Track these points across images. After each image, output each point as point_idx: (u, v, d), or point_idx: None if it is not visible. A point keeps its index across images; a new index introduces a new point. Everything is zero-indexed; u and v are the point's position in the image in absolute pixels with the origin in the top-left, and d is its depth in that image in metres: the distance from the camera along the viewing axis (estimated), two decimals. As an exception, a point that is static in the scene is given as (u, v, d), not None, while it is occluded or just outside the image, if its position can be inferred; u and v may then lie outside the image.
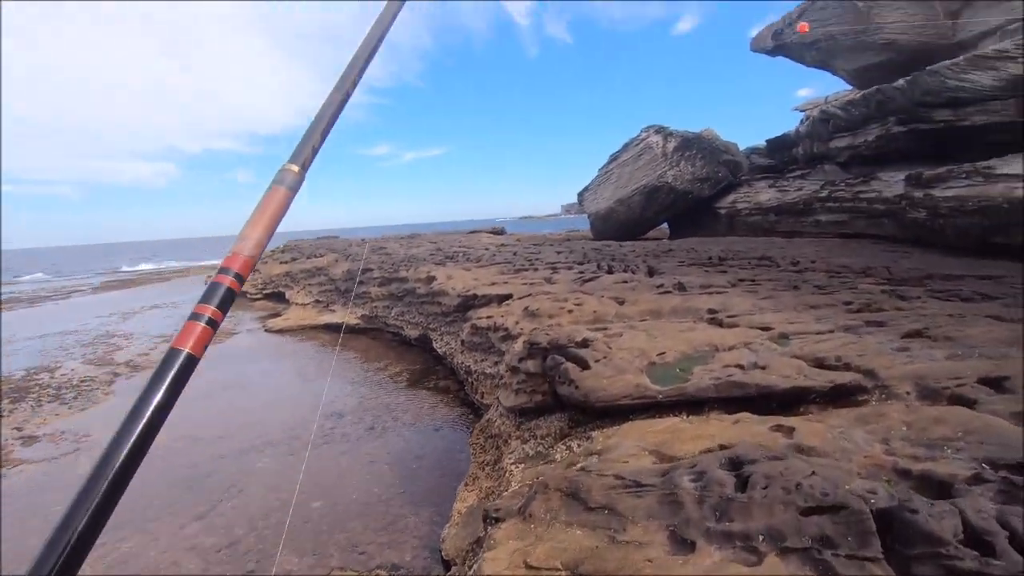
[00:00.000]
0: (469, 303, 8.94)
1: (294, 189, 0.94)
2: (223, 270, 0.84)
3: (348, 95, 1.07)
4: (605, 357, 4.31)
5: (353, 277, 14.73)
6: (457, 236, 27.71)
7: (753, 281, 7.51)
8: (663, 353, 4.44)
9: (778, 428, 3.01)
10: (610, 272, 8.96)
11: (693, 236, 19.65)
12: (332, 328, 14.37)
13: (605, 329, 5.63)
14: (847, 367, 3.84)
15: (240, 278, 0.85)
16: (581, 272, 9.10)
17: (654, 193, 18.50)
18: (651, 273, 8.73)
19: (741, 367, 4.02)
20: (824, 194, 15.73)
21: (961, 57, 12.00)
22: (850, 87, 22.54)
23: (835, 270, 8.55)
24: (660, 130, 19.28)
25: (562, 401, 4.37)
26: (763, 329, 4.95)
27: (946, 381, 3.42)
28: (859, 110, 15.32)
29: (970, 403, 3.21)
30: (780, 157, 21.73)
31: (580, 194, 21.76)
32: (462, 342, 8.35)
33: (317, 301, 16.23)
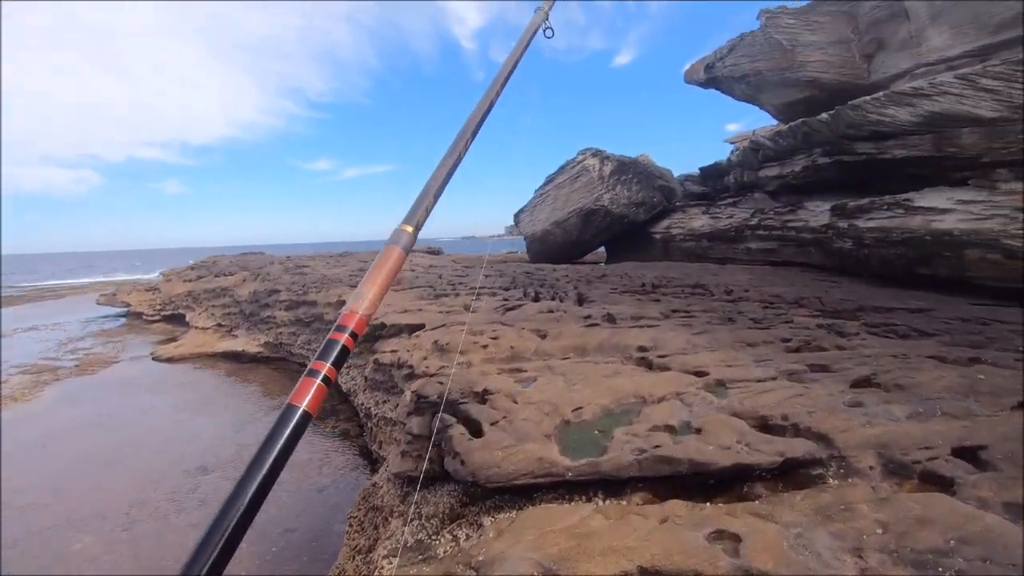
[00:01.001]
0: (377, 333, 7.85)
1: (407, 249, 1.04)
2: (340, 327, 0.90)
3: (460, 159, 1.20)
4: (505, 418, 3.40)
5: (259, 300, 13.21)
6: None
7: (687, 312, 6.91)
8: (580, 408, 3.59)
9: (719, 536, 2.19)
10: (536, 300, 8.15)
11: (629, 260, 19.43)
12: (232, 357, 12.74)
13: (519, 371, 4.76)
14: (796, 430, 3.12)
15: (355, 336, 0.91)
16: (505, 299, 8.25)
17: (590, 216, 18.14)
18: (581, 301, 8.00)
19: (672, 429, 3.22)
20: (754, 222, 15.83)
21: (881, 93, 12.32)
22: (776, 122, 23.43)
23: (768, 300, 8.14)
24: (597, 153, 19.07)
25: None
26: (697, 375, 4.22)
27: (915, 452, 2.75)
28: (787, 141, 15.60)
29: (948, 484, 2.53)
30: (713, 185, 22.09)
31: (516, 215, 21.14)
32: (364, 378, 7.24)
33: (219, 325, 14.50)
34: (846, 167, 13.10)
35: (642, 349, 5.20)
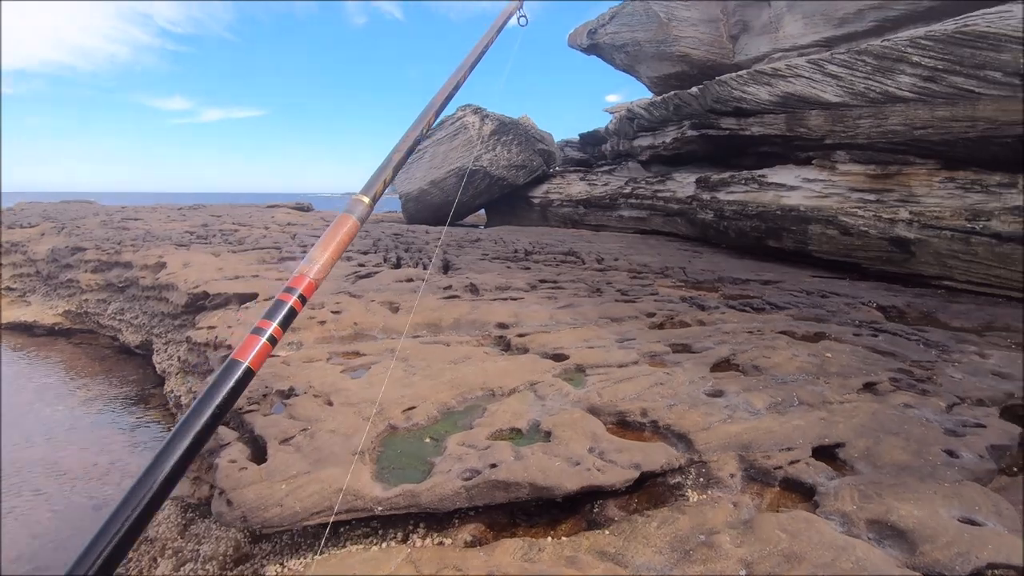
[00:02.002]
0: (200, 302, 6.48)
1: (363, 219, 1.02)
2: (289, 290, 0.87)
3: (423, 135, 1.22)
4: (306, 430, 2.59)
5: (59, 259, 10.68)
6: (248, 210, 23.47)
7: (555, 283, 6.49)
8: (413, 408, 2.89)
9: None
10: (397, 266, 7.27)
11: (509, 224, 19.05)
12: (22, 329, 10.24)
13: (355, 356, 3.94)
14: (655, 427, 2.71)
15: (304, 299, 0.89)
16: (361, 265, 7.25)
17: (469, 177, 17.32)
18: (446, 269, 7.27)
19: (518, 433, 2.66)
20: (628, 190, 16.13)
21: (745, 71, 12.82)
22: (651, 95, 24.12)
23: (636, 270, 8.07)
24: (478, 111, 18.12)
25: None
26: (556, 358, 3.73)
27: (776, 455, 2.44)
28: (659, 112, 15.91)
29: (809, 494, 2.24)
30: (591, 152, 22.29)
31: (391, 171, 19.55)
32: (179, 359, 5.94)
33: (9, 289, 11.63)
34: (712, 141, 13.61)
35: (502, 326, 4.63)
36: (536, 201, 19.36)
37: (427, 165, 18.31)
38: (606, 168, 18.91)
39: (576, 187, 18.58)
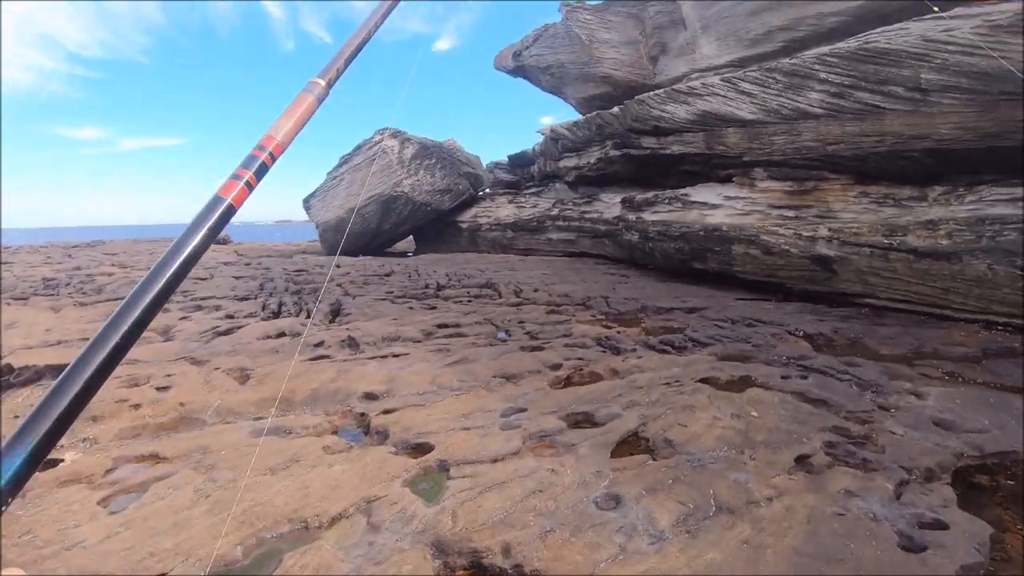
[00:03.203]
0: (3, 378, 5.16)
1: (320, 99, 1.08)
2: (261, 147, 0.95)
3: (382, 20, 1.30)
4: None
5: None
6: (150, 246, 21.41)
7: (457, 328, 5.65)
8: (156, 556, 1.92)
9: None
10: (276, 315, 6.21)
11: (438, 250, 18.17)
12: None
13: (152, 460, 2.92)
14: (519, 574, 1.88)
15: (273, 156, 0.96)
16: (230, 316, 6.14)
17: (391, 203, 16.32)
18: (335, 315, 6.28)
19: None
20: (555, 212, 15.66)
21: (662, 90, 12.68)
22: (579, 115, 24.12)
23: (556, 302, 7.37)
24: (397, 134, 17.19)
25: None
26: (416, 451, 2.86)
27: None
28: (583, 132, 15.64)
29: None
30: (521, 174, 21.88)
31: (307, 200, 18.19)
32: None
33: None
34: (635, 160, 13.35)
35: (369, 397, 3.71)
36: (464, 226, 18.60)
37: (344, 192, 17.18)
38: (534, 190, 18.46)
39: (505, 210, 17.99)
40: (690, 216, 10.71)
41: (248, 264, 11.85)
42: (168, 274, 0.72)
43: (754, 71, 10.44)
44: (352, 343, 4.92)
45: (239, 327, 5.49)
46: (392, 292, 7.73)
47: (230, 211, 0.86)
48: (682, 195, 11.15)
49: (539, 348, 4.84)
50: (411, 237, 21.64)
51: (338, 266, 11.31)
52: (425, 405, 3.46)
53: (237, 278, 9.12)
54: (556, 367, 4.28)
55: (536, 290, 8.23)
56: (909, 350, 5.17)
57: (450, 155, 18.24)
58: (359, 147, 17.53)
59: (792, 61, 9.32)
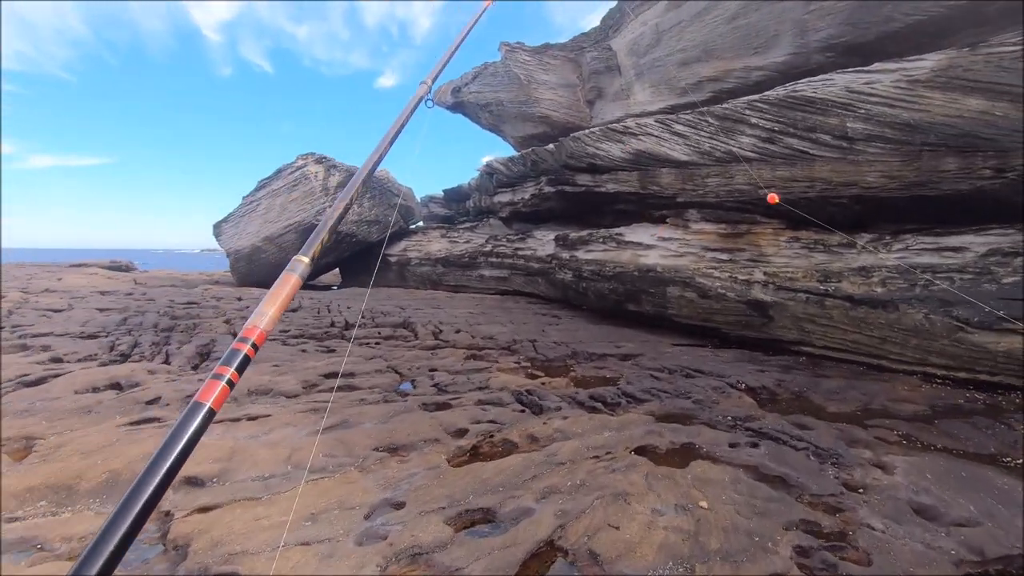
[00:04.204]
0: None
1: (304, 277, 1.08)
2: (243, 339, 0.92)
3: (352, 202, 1.31)
4: None
5: None
6: (33, 271, 18.72)
7: (350, 378, 4.65)
8: None
9: None
10: (124, 358, 4.94)
11: (364, 284, 16.93)
12: None
13: None
14: None
15: (256, 347, 0.93)
16: (58, 359, 4.81)
17: (311, 232, 15.05)
18: (202, 359, 5.09)
19: None
20: (488, 248, 14.99)
21: (597, 127, 12.51)
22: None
23: (478, 345, 6.53)
24: (322, 160, 16.07)
25: None
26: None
27: None
28: (518, 168, 15.25)
29: None
30: (456, 208, 21.24)
31: (217, 226, 16.40)
32: None
33: None
34: (569, 198, 13.00)
35: (191, 484, 2.65)
36: (393, 259, 17.53)
37: (261, 219, 15.73)
38: (468, 225, 17.78)
39: (436, 244, 17.13)
40: (624, 256, 10.30)
41: (129, 294, 10.18)
42: (147, 493, 0.69)
43: (687, 114, 10.39)
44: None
45: (58, 375, 4.21)
46: (288, 331, 6.59)
47: (210, 416, 0.81)
48: (616, 234, 10.78)
49: (445, 405, 3.93)
50: (338, 269, 20.25)
51: (239, 299, 9.93)
52: (263, 499, 2.46)
53: (101, 310, 7.61)
54: (460, 433, 3.39)
55: (458, 331, 7.35)
56: (857, 407, 4.69)
57: (380, 185, 17.30)
58: (280, 171, 16.22)
59: (724, 106, 9.29)
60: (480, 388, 4.47)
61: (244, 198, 16.51)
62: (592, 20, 16.96)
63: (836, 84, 7.47)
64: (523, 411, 3.86)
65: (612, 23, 14.89)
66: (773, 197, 4.80)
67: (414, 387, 4.39)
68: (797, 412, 4.41)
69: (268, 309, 0.97)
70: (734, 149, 9.06)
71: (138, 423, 3.34)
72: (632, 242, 10.44)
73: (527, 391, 4.37)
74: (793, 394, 5.07)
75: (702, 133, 9.75)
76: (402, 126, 1.70)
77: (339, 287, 18.57)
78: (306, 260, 1.08)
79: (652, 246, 9.99)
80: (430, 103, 2.12)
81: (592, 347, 6.76)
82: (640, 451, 3.27)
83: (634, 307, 9.35)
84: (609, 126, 11.95)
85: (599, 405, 4.18)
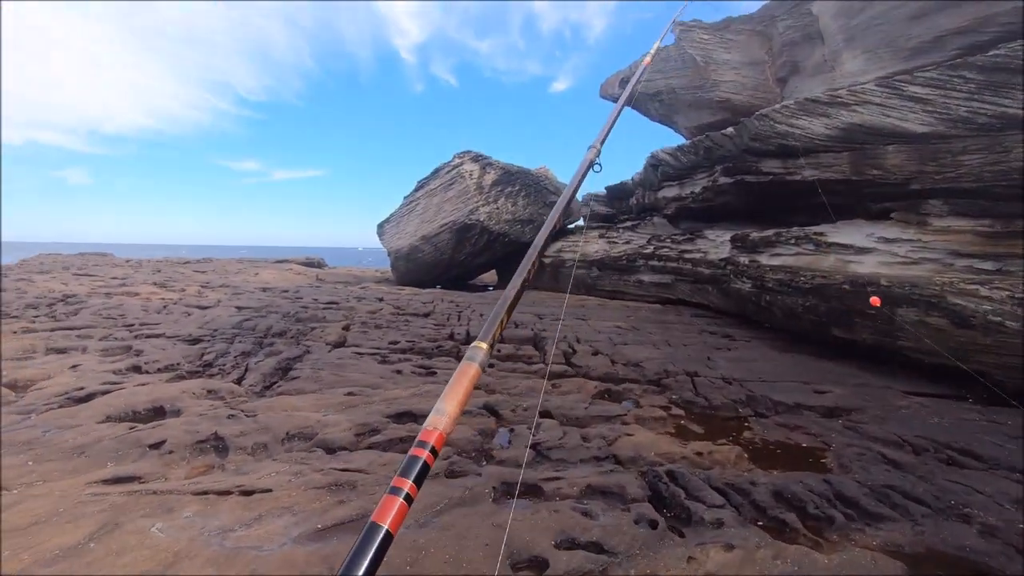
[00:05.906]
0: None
1: (484, 366, 1.00)
2: (420, 443, 0.85)
3: (528, 280, 1.28)
4: None
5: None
6: (240, 266, 22.02)
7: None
8: None
9: None
10: (207, 369, 4.65)
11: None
12: None
13: None
14: None
15: (435, 452, 0.85)
16: (135, 367, 4.68)
17: (464, 232, 14.89)
18: (282, 375, 4.59)
19: None
20: (649, 250, 13.24)
21: (792, 100, 10.00)
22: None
23: (618, 375, 5.15)
24: (479, 158, 15.85)
25: None
26: None
27: None
28: (688, 157, 13.19)
29: None
30: (619, 206, 19.67)
31: (380, 226, 17.29)
32: None
33: None
34: (751, 190, 10.67)
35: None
36: (548, 261, 16.70)
37: (418, 219, 16.11)
38: (629, 224, 16.14)
39: (593, 245, 15.84)
40: (827, 262, 7.89)
41: (285, 291, 10.80)
42: None
43: (929, 70, 7.59)
44: (218, 445, 3.09)
45: (107, 391, 3.92)
46: (397, 343, 5.94)
47: (388, 541, 0.73)
48: (815, 234, 8.36)
49: (533, 491, 2.67)
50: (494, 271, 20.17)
51: (380, 299, 9.88)
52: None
53: (239, 308, 7.88)
54: (532, 568, 2.11)
55: (596, 353, 6.02)
56: None
57: (536, 183, 16.57)
58: (437, 171, 16.45)
59: (992, 54, 6.51)
60: (598, 458, 3.12)
61: (405, 198, 17.12)
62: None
63: None
64: (655, 524, 2.42)
65: (816, -26, 12.00)
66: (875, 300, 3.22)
67: (510, 443, 3.23)
68: None
69: (448, 407, 0.89)
70: (1010, 111, 6.27)
71: (110, 482, 2.69)
72: (838, 244, 7.97)
73: (669, 474, 2.90)
74: None
75: (955, 94, 6.99)
76: (574, 192, 1.72)
77: (494, 288, 18.39)
78: (485, 346, 1.01)
79: (868, 249, 7.46)
80: (598, 167, 2.15)
81: (778, 390, 4.89)
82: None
83: (842, 333, 6.98)
84: (808, 97, 9.43)
85: (791, 518, 2.54)
